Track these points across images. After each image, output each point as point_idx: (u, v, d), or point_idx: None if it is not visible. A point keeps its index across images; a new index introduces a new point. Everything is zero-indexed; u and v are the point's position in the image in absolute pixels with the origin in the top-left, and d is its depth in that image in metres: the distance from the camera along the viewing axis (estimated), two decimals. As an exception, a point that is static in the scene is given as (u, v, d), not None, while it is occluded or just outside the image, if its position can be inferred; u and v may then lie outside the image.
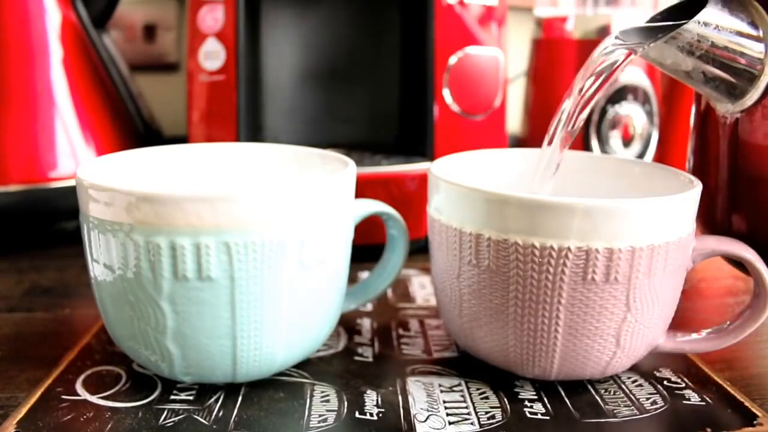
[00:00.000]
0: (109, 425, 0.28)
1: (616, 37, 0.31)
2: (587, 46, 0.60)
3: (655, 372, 0.33)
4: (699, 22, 0.28)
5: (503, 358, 0.31)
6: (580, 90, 0.31)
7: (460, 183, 0.30)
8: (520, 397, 0.30)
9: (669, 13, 0.31)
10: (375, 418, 0.29)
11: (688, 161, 0.37)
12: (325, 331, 0.33)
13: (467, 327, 0.31)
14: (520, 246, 0.28)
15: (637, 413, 0.29)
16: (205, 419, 0.28)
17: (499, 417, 0.29)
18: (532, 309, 0.28)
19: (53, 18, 0.52)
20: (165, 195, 0.26)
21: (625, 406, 0.30)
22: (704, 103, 0.34)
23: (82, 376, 0.32)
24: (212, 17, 0.49)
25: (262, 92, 0.56)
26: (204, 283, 0.27)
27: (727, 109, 0.31)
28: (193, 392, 0.30)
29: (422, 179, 0.49)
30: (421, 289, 0.44)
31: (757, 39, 0.29)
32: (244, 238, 0.27)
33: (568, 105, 0.32)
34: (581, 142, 0.61)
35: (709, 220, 0.34)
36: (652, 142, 0.62)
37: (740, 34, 0.29)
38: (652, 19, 0.31)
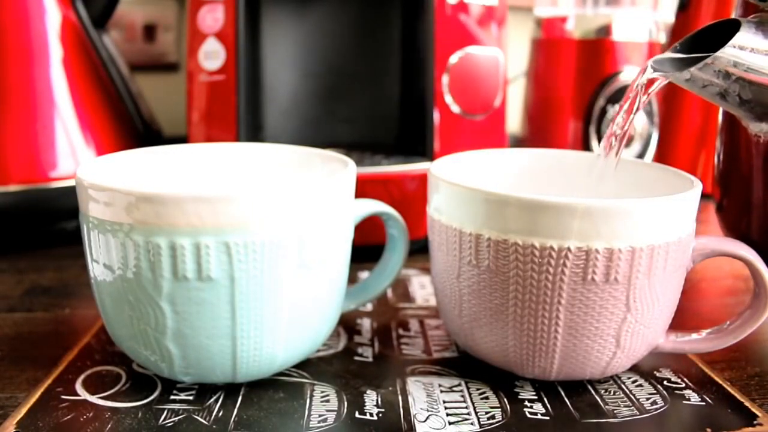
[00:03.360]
0: (109, 425, 0.28)
1: (652, 67, 0.32)
2: (587, 46, 0.60)
3: (655, 372, 0.33)
4: (735, 46, 0.28)
5: (503, 358, 0.31)
6: (624, 108, 0.33)
7: (460, 183, 0.30)
8: (520, 397, 0.30)
9: (697, 37, 0.31)
10: (375, 418, 0.29)
11: (716, 174, 0.37)
12: (325, 331, 0.33)
13: (467, 327, 0.31)
14: (520, 246, 0.28)
15: (637, 413, 0.29)
16: (204, 419, 0.28)
17: (499, 417, 0.29)
18: (532, 309, 0.28)
19: (53, 18, 0.52)
20: (165, 195, 0.26)
21: (625, 407, 0.30)
22: (731, 116, 0.34)
23: (82, 376, 0.32)
24: (212, 17, 0.49)
25: (262, 92, 0.56)
26: (204, 283, 0.27)
27: (760, 128, 0.31)
28: (193, 392, 0.30)
29: (422, 179, 0.49)
30: (421, 289, 0.44)
31: None
32: (244, 238, 0.27)
33: (618, 122, 0.33)
34: (581, 142, 0.61)
35: (745, 237, 0.34)
36: (652, 142, 0.62)
37: None
38: (682, 44, 0.32)
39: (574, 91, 0.61)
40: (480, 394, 0.31)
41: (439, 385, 0.31)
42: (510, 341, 0.30)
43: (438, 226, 0.31)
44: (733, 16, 0.32)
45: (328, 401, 0.30)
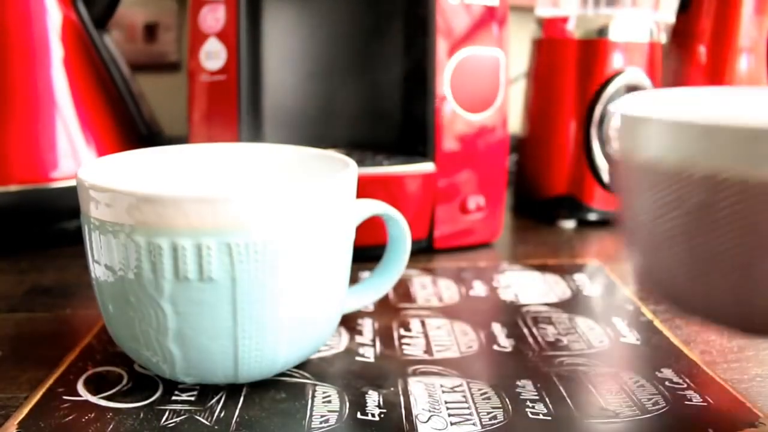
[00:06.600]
0: (111, 426, 0.28)
1: None
2: (588, 46, 0.60)
3: (656, 372, 0.33)
4: None
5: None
6: None
7: (662, 117, 0.25)
8: (521, 397, 0.30)
9: None
10: (377, 418, 0.29)
11: None
12: (327, 332, 0.33)
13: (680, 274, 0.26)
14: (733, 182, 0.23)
15: (639, 414, 0.29)
16: (206, 420, 0.28)
17: (500, 417, 0.29)
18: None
19: (54, 18, 0.52)
20: (166, 196, 0.26)
21: (626, 407, 0.30)
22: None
23: (84, 377, 0.32)
24: (213, 17, 0.49)
25: (263, 92, 0.56)
26: (205, 283, 0.27)
27: None
28: (195, 393, 0.30)
29: (423, 179, 0.49)
30: (423, 289, 0.44)
31: None
32: (246, 238, 0.27)
33: None
34: (582, 143, 0.61)
35: None
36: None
37: None
38: None
39: (575, 91, 0.60)
40: (482, 394, 0.31)
41: (441, 386, 0.31)
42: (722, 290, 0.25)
43: (632, 168, 0.27)
44: None
45: (329, 402, 0.30)
